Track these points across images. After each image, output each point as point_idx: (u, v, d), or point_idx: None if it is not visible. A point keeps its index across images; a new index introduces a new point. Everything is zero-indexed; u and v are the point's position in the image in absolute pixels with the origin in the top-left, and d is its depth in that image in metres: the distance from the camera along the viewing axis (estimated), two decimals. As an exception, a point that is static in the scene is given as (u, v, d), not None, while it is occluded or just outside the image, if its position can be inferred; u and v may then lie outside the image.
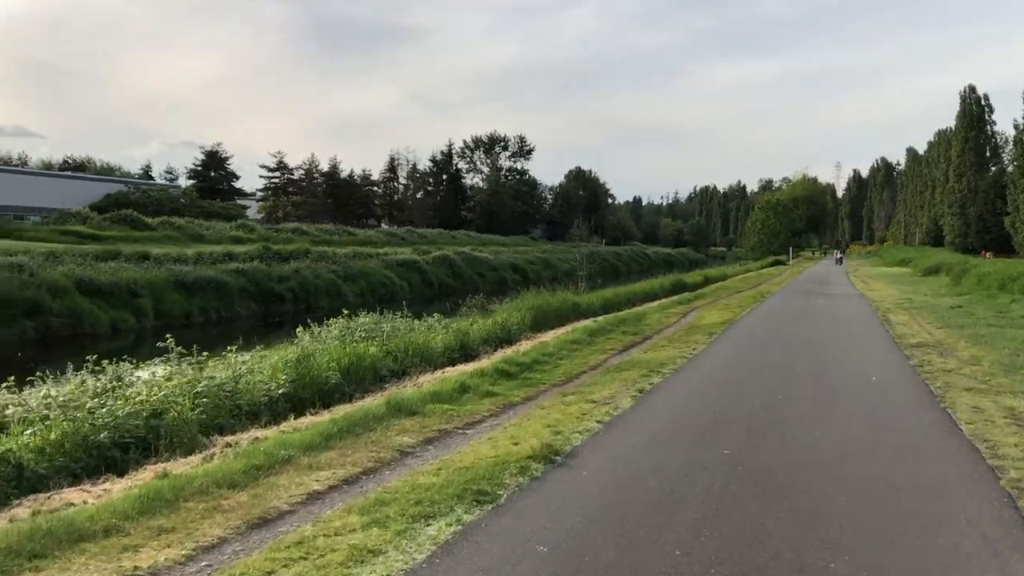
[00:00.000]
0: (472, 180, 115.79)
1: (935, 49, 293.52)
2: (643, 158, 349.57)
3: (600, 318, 20.93)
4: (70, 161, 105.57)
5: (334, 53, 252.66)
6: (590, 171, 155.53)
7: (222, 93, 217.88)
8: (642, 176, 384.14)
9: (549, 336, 17.24)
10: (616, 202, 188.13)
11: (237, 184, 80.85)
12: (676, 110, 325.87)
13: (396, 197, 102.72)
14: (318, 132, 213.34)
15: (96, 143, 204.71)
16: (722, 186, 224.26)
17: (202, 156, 76.76)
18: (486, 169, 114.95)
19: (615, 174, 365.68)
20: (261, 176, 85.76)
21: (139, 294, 35.63)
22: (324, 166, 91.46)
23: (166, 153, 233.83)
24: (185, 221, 60.78)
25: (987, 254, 76.76)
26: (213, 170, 77.01)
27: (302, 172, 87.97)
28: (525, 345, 16.06)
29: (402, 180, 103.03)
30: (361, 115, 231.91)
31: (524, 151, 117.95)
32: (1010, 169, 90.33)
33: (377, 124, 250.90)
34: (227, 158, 77.14)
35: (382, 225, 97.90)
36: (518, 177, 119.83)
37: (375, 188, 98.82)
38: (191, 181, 76.94)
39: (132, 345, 26.66)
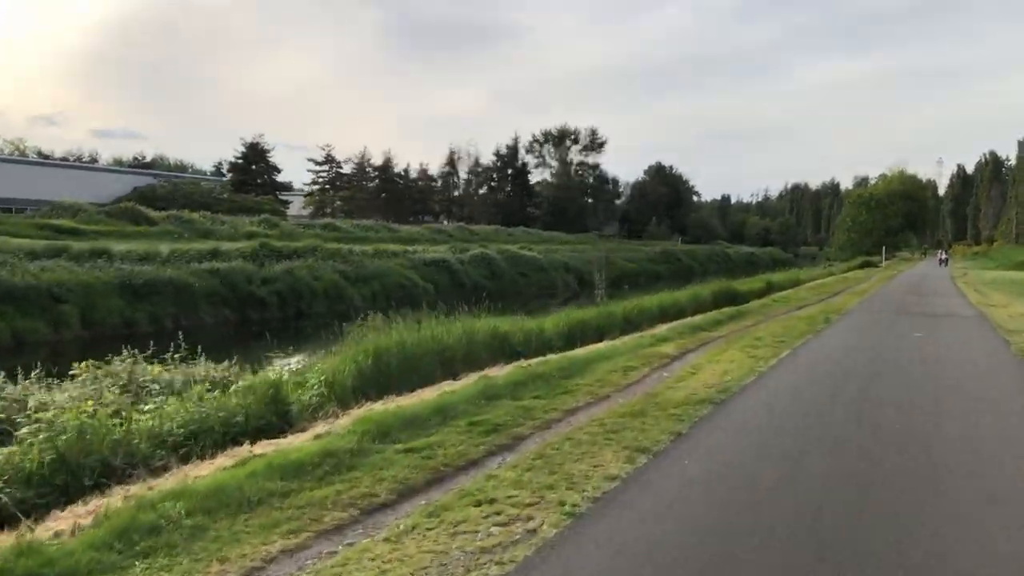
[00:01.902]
0: (541, 175, 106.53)
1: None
2: (734, 156, 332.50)
3: (505, 370, 11.51)
4: (139, 159, 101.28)
5: (427, 54, 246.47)
6: (671, 167, 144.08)
7: (320, 95, 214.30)
8: (732, 174, 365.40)
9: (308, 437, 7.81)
10: (702, 200, 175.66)
11: (281, 178, 73.73)
12: (769, 107, 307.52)
13: (456, 193, 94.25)
14: (413, 132, 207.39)
15: (197, 144, 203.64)
16: (814, 184, 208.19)
17: (243, 148, 69.81)
18: (555, 164, 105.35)
19: (703, 172, 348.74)
20: (309, 170, 78.66)
21: (63, 299, 28.28)
22: (379, 160, 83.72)
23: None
24: (199, 216, 53.70)
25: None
26: (254, 163, 70.00)
27: (353, 166, 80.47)
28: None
29: (463, 175, 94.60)
30: (453, 115, 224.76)
31: (596, 144, 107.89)
32: None
33: (469, 124, 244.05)
34: (268, 150, 70.16)
35: (443, 222, 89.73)
36: (590, 172, 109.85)
37: (433, 183, 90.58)
38: (231, 175, 70.16)
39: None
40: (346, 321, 14.06)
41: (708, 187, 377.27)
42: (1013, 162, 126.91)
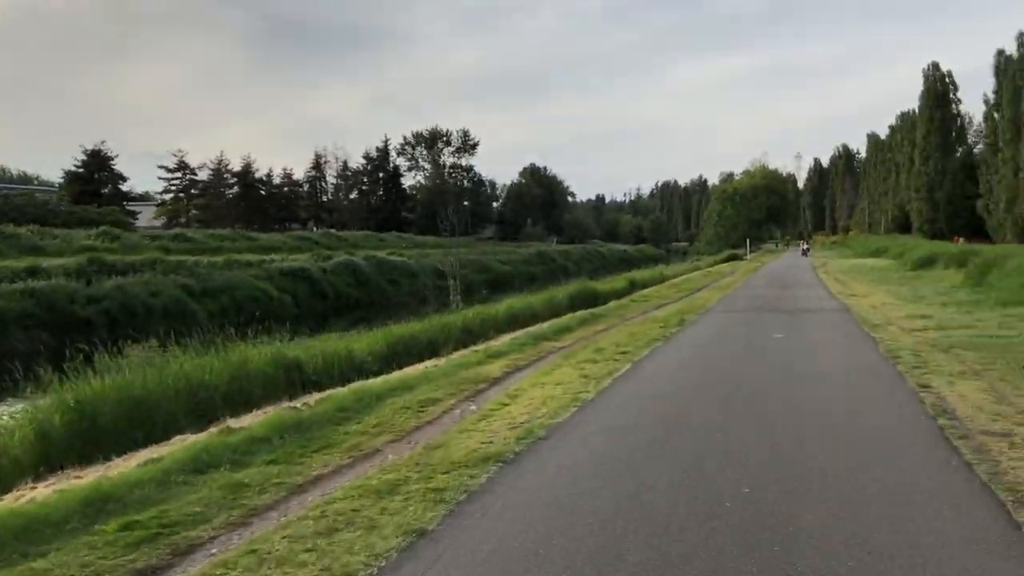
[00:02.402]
0: (414, 178, 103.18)
1: (894, 40, 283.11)
2: (607, 156, 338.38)
3: (262, 416, 8.80)
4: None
5: (296, 57, 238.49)
6: (545, 168, 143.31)
7: (185, 102, 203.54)
8: (606, 174, 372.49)
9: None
10: (577, 200, 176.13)
11: (143, 187, 67.97)
12: (639, 107, 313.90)
13: (325, 198, 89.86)
14: (286, 139, 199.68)
15: (52, 157, 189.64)
16: (683, 181, 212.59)
17: (83, 156, 63.67)
18: (428, 166, 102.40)
19: (578, 173, 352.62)
20: (160, 178, 72.91)
21: None
22: (238, 165, 78.55)
23: (119, 164, 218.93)
24: (26, 230, 48.15)
25: (959, 239, 66.23)
26: (95, 172, 64.02)
27: (210, 172, 75.10)
28: None
29: (331, 179, 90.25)
30: (327, 120, 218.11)
31: (468, 146, 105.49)
32: (980, 148, 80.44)
33: (343, 129, 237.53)
34: (111, 158, 64.32)
35: (313, 229, 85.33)
36: (464, 174, 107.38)
37: (299, 189, 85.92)
38: (71, 185, 63.87)
39: None
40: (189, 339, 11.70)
41: (583, 187, 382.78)
42: (864, 155, 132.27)
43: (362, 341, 14.44)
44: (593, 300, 24.03)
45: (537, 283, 56.25)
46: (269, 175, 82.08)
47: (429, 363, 13.14)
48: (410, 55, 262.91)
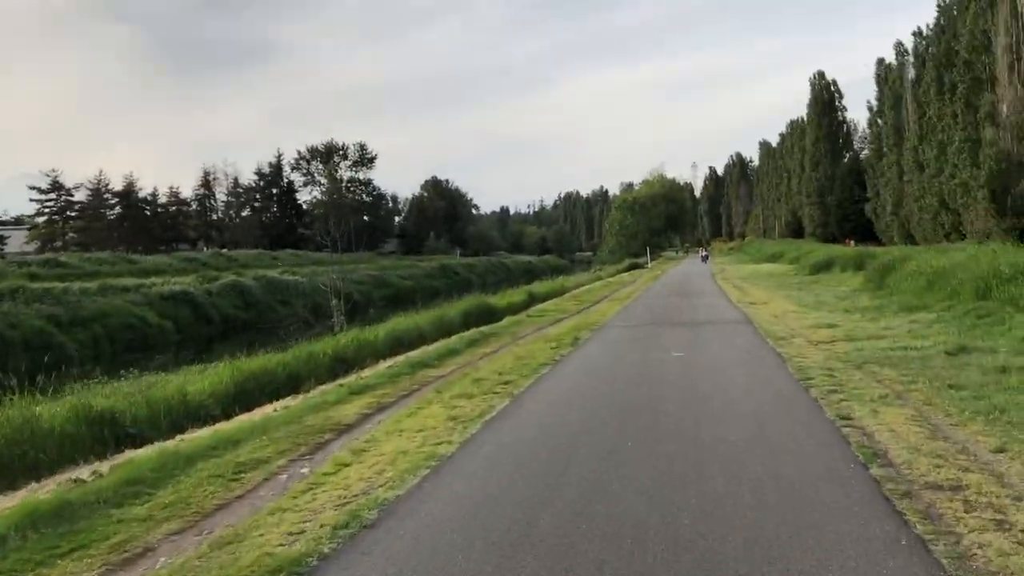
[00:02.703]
0: (311, 194, 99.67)
1: (784, 51, 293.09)
2: (511, 168, 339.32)
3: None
4: None
5: (188, 73, 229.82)
6: (447, 181, 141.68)
7: (64, 121, 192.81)
8: (510, 186, 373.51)
9: None
10: (481, 212, 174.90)
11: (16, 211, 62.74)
12: (542, 119, 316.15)
13: (215, 217, 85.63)
14: (177, 157, 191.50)
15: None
16: (585, 192, 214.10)
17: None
18: (325, 181, 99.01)
19: (482, 185, 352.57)
20: (32, 200, 67.74)
21: None
22: (119, 184, 73.85)
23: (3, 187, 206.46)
24: None
25: (850, 242, 67.76)
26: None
27: (88, 193, 70.24)
28: None
29: (221, 197, 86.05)
30: (221, 137, 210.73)
31: (366, 159, 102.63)
32: (866, 154, 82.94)
33: (240, 145, 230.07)
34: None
35: (204, 249, 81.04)
36: (362, 188, 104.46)
37: (186, 208, 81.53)
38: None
39: None
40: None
41: (487, 200, 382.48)
42: (757, 162, 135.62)
43: (204, 380, 12.26)
44: (489, 316, 22.38)
45: (440, 297, 54.23)
46: (154, 194, 77.62)
47: (281, 404, 11.15)
48: (307, 70, 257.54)
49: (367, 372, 13.80)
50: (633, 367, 11.92)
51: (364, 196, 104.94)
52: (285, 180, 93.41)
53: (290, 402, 11.10)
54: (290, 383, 13.32)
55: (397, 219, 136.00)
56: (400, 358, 15.29)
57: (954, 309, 14.56)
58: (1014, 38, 40.64)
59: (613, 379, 10.97)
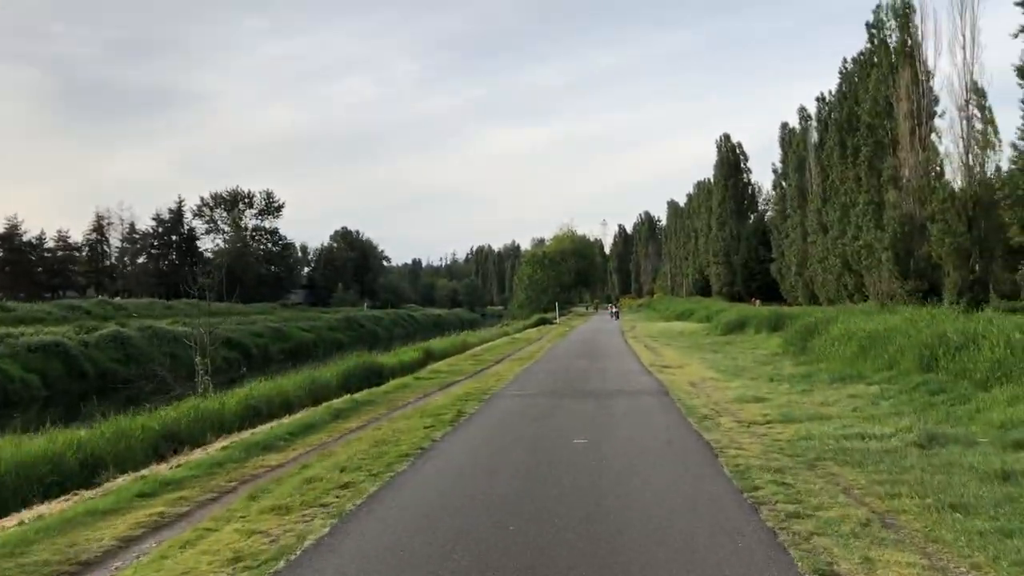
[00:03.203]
0: (214, 242, 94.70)
1: (692, 116, 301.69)
2: (424, 221, 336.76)
3: None
4: None
5: (95, 119, 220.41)
6: (358, 232, 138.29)
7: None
8: (423, 239, 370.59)
9: None
10: (392, 264, 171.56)
11: None
12: (455, 173, 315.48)
13: (107, 263, 79.92)
14: (76, 201, 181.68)
15: None
16: (497, 246, 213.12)
17: None
18: (228, 229, 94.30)
19: (394, 237, 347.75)
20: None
21: None
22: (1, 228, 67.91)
23: None
24: None
25: (756, 301, 67.48)
26: None
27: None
28: None
29: (116, 243, 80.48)
30: (126, 183, 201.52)
31: (272, 208, 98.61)
32: (771, 215, 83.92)
33: (145, 192, 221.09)
34: None
35: (99, 296, 75.08)
36: (267, 237, 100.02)
37: (76, 253, 75.77)
38: None
39: None
40: None
41: (399, 252, 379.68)
42: (665, 221, 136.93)
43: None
44: (376, 377, 19.39)
45: (344, 350, 50.59)
46: (41, 238, 71.81)
47: (41, 510, 7.90)
48: (217, 119, 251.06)
49: (195, 455, 10.67)
50: (520, 466, 9.05)
51: (270, 245, 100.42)
52: (186, 227, 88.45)
53: (48, 508, 7.90)
54: (84, 472, 10.03)
55: (306, 270, 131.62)
56: (244, 435, 12.22)
57: (897, 382, 12.58)
58: (915, 104, 40.44)
59: (489, 488, 7.98)
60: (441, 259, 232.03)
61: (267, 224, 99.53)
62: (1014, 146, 28.37)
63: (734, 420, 11.15)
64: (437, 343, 28.76)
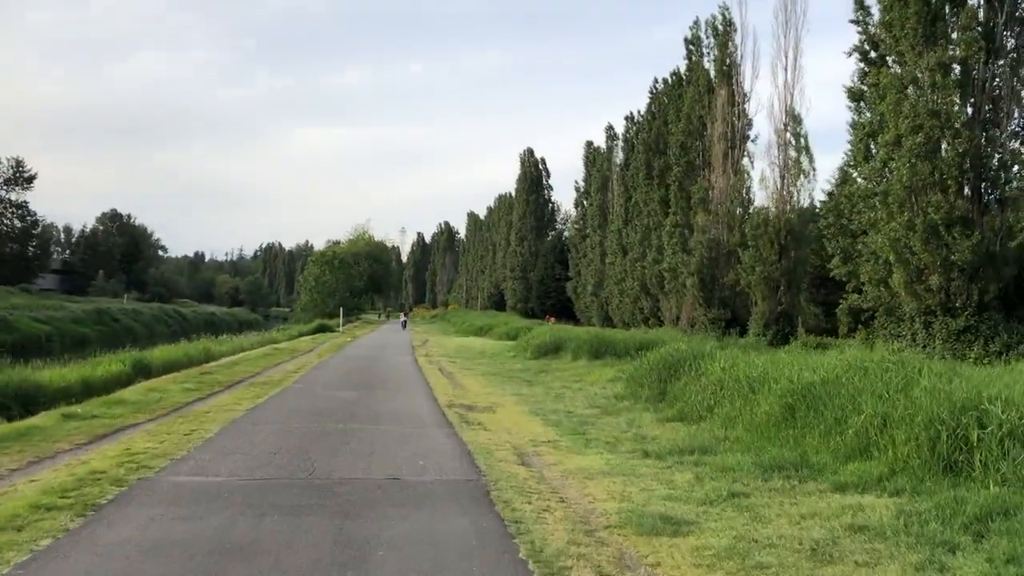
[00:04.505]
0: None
1: (497, 134, 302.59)
2: (212, 214, 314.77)
3: None
4: None
5: None
6: (129, 216, 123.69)
7: None
8: (210, 232, 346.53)
9: None
10: (169, 255, 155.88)
11: None
12: (250, 169, 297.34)
13: None
14: None
15: None
16: (289, 245, 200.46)
17: None
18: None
19: (179, 228, 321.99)
20: None
21: None
22: None
23: None
24: None
25: (551, 319, 64.94)
26: None
27: None
28: None
29: None
30: None
31: (21, 179, 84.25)
32: (569, 233, 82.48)
33: None
34: None
35: None
36: (14, 212, 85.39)
37: None
38: None
39: None
40: None
41: (182, 243, 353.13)
42: (464, 233, 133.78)
43: None
44: (25, 403, 12.77)
45: (89, 347, 41.37)
46: None
47: None
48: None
49: None
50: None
51: (16, 221, 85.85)
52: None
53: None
54: None
55: (68, 253, 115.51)
56: None
57: (922, 495, 7.10)
58: (729, 126, 38.46)
59: None
60: (227, 254, 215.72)
61: (13, 196, 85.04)
62: (842, 171, 26.14)
63: (622, 567, 5.62)
64: (162, 352, 21.40)
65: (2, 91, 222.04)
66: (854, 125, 25.12)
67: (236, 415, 13.04)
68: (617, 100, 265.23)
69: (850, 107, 25.71)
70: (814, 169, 31.74)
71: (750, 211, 35.83)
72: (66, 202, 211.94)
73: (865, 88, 25.27)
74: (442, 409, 14.49)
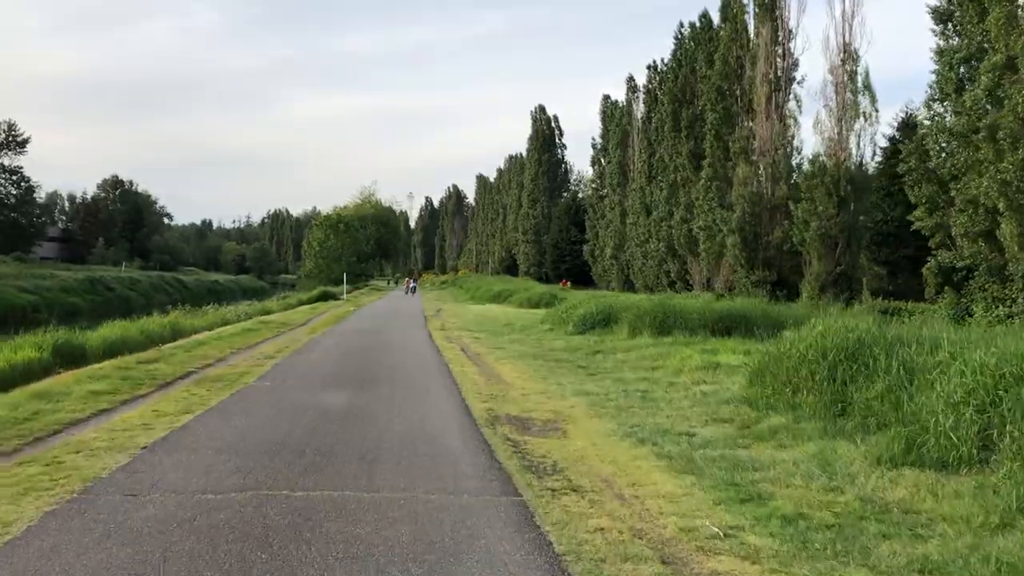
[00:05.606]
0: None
1: (508, 98, 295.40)
2: (220, 181, 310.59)
3: None
4: None
5: None
6: (132, 182, 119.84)
7: None
8: (218, 199, 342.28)
9: None
10: (175, 223, 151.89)
11: None
12: (258, 135, 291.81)
13: None
14: None
15: None
16: (296, 211, 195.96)
17: None
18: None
19: (188, 196, 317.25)
20: None
21: None
22: None
23: None
24: None
25: (566, 283, 61.16)
26: None
27: None
28: None
29: None
30: None
31: (13, 142, 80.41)
32: (585, 194, 78.15)
33: None
34: None
35: None
36: (8, 178, 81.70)
37: None
38: None
39: None
40: None
41: (190, 211, 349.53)
42: (473, 197, 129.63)
43: None
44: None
45: (79, 319, 37.81)
46: None
47: None
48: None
49: None
50: None
51: (9, 187, 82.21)
52: None
53: None
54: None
55: (69, 223, 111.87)
56: None
57: None
58: (773, 67, 34.11)
59: None
60: (234, 221, 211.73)
61: (6, 161, 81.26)
62: (928, 106, 21.98)
63: None
64: (108, 329, 16.38)
65: (9, 58, 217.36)
66: (940, 51, 21.08)
67: (104, 471, 6.57)
68: (630, 62, 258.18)
69: (934, 31, 21.66)
70: (876, 111, 27.59)
71: (798, 161, 31.71)
72: (74, 172, 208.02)
73: (955, 7, 21.17)
74: (481, 430, 8.75)
